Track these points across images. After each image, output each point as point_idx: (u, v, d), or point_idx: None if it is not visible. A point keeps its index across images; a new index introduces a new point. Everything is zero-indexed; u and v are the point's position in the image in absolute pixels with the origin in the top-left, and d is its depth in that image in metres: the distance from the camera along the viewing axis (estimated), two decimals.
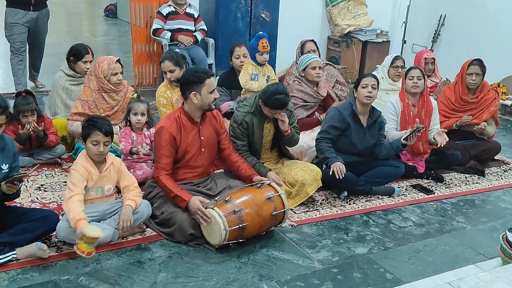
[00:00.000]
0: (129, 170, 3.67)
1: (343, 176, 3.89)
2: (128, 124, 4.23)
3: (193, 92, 3.46)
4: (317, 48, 5.40)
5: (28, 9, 5.92)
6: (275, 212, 3.36)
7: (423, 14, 8.26)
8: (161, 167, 3.45)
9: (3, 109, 2.89)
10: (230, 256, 3.23)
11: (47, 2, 6.19)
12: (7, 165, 3.08)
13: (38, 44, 6.34)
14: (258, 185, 3.45)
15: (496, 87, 6.06)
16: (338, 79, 5.46)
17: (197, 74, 3.50)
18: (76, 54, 4.74)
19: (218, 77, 5.60)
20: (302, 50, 5.37)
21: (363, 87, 4.05)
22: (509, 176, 4.83)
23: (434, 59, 5.78)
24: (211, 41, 6.71)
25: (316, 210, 3.91)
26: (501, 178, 4.78)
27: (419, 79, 4.54)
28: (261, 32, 5.19)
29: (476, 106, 4.96)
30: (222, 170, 3.96)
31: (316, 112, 4.84)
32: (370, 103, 4.13)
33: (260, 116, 3.84)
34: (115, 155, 3.60)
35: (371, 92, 4.03)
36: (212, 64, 6.67)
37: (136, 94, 4.42)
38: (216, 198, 3.45)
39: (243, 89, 5.11)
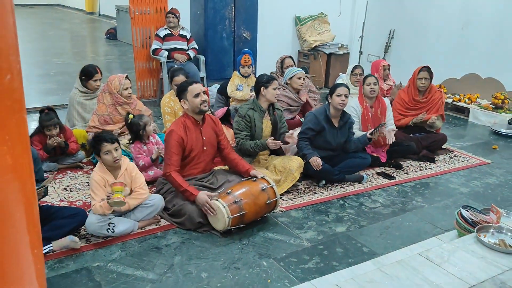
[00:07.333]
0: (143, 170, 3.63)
1: (320, 168, 3.95)
2: (135, 139, 4.04)
3: (182, 100, 3.50)
4: (294, 62, 5.42)
5: None
6: (268, 201, 3.37)
7: (376, 29, 8.34)
8: (171, 163, 3.40)
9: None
10: (233, 239, 3.23)
11: None
12: None
13: None
14: (254, 179, 3.45)
15: (438, 88, 6.16)
16: (311, 88, 5.48)
17: (181, 85, 3.59)
18: (87, 74, 4.65)
19: (218, 86, 5.58)
20: (282, 64, 5.38)
21: (337, 96, 4.06)
22: (455, 162, 4.92)
23: (389, 65, 5.85)
24: (202, 57, 6.65)
25: (300, 197, 3.93)
26: (449, 164, 4.86)
27: (375, 85, 4.58)
28: (246, 49, 5.18)
29: (426, 105, 5.04)
30: (221, 167, 3.95)
31: (297, 116, 4.88)
32: (342, 109, 4.16)
33: (259, 111, 3.95)
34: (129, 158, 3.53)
35: (344, 100, 4.06)
36: (203, 77, 6.63)
37: (131, 115, 4.08)
38: (218, 191, 3.44)
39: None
